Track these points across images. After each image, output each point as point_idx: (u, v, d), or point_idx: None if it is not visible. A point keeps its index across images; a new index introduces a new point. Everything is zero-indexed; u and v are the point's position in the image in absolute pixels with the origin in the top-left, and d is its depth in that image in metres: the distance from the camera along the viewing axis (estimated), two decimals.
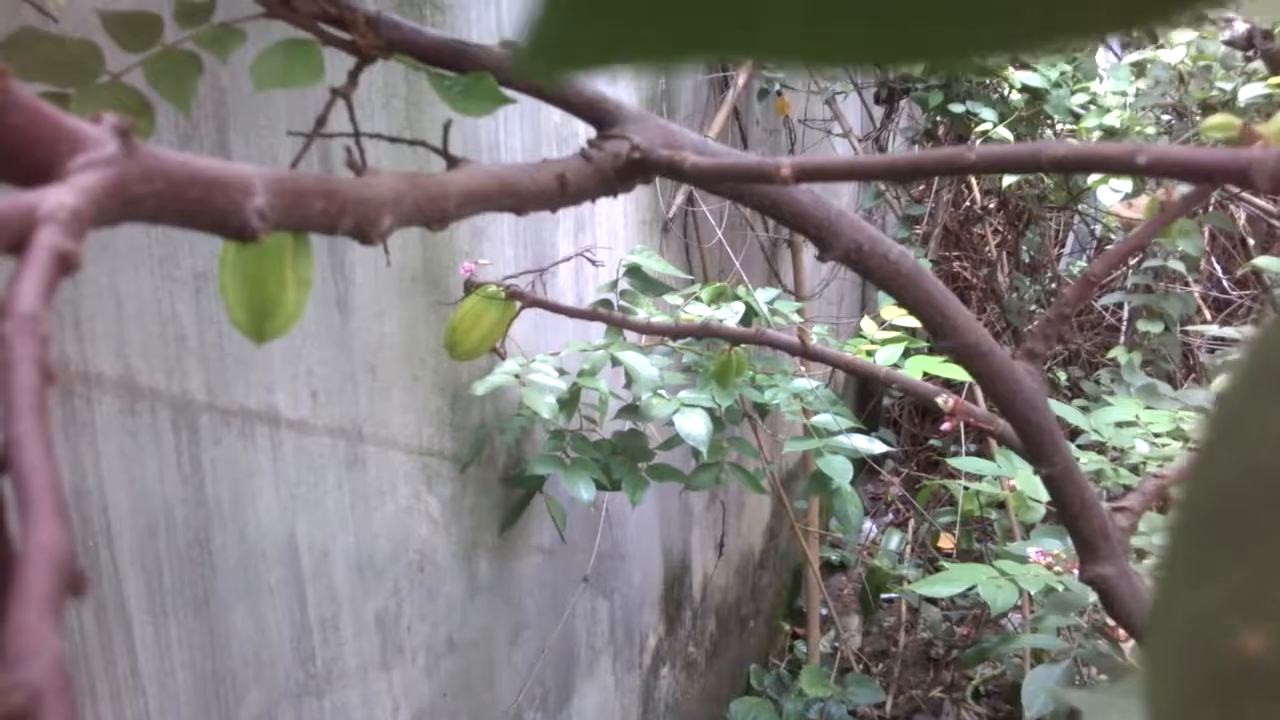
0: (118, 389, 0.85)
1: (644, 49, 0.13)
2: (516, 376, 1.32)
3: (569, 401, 1.38)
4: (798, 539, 2.67)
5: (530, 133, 1.47)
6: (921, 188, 2.94)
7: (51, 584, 0.17)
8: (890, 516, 3.86)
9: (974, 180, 2.99)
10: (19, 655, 0.16)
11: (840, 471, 1.45)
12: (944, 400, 0.65)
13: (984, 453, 3.00)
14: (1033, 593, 1.23)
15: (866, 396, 4.14)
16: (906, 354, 1.60)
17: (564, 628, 1.71)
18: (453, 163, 0.51)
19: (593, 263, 1.30)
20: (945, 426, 0.65)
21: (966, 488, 2.91)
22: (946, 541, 3.19)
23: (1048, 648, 1.29)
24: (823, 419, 1.52)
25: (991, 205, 3.26)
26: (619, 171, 0.54)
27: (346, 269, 1.11)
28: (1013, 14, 0.13)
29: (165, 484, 0.90)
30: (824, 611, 2.97)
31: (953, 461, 1.61)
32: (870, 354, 1.65)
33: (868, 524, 3.76)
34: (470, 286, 1.15)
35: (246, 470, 0.99)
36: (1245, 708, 0.11)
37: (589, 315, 1.14)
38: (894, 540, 3.28)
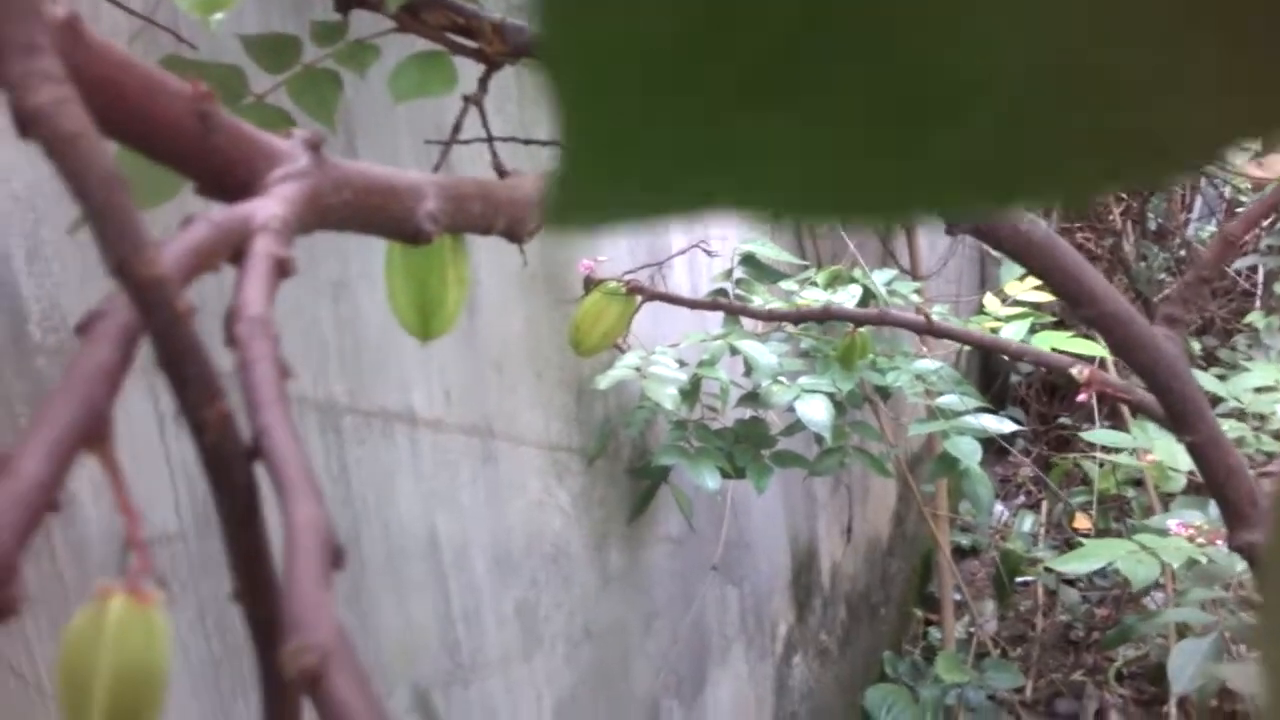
0: None
1: (659, 208, 0.14)
2: (637, 369, 1.34)
3: (690, 392, 1.39)
4: (926, 523, 2.63)
5: None
6: None
7: (321, 555, 0.20)
8: (1022, 498, 3.76)
9: None
10: (303, 621, 0.18)
11: (968, 453, 1.43)
12: (1078, 371, 0.64)
13: (1118, 428, 2.91)
14: (1175, 566, 1.19)
15: (991, 376, 4.05)
16: (1033, 330, 1.57)
17: (695, 616, 1.73)
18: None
19: (708, 253, 1.31)
20: (1081, 397, 0.64)
21: (1102, 464, 2.83)
22: (1083, 521, 3.10)
23: (1193, 622, 1.25)
24: (948, 400, 1.50)
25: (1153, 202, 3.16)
26: None
27: (472, 269, 1.15)
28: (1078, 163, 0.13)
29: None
30: (957, 597, 2.92)
31: (1087, 435, 1.57)
32: (995, 330, 1.62)
33: (999, 507, 3.67)
34: (590, 283, 1.18)
35: (388, 469, 1.03)
36: None
37: (708, 305, 1.15)
38: (1027, 522, 3.20)
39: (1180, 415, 0.53)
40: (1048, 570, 2.99)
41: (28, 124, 0.21)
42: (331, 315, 0.95)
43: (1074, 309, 0.53)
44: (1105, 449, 2.57)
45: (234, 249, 0.26)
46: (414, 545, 1.07)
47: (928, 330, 0.72)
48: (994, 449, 3.75)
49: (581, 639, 1.39)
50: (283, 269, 0.26)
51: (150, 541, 0.80)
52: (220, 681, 0.86)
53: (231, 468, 0.22)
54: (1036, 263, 0.53)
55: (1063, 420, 3.61)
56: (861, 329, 1.24)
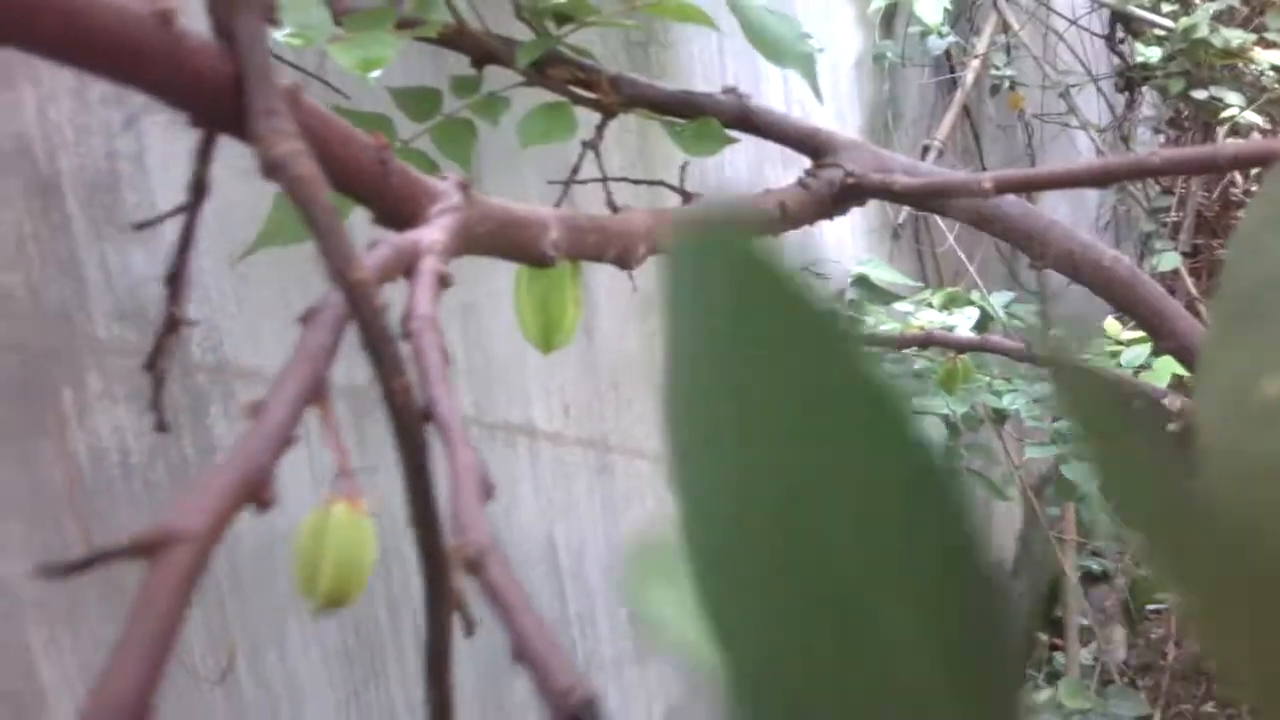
0: None
1: None
2: None
3: None
4: (1052, 547, 2.58)
5: (755, 151, 1.53)
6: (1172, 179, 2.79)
7: (477, 486, 0.26)
8: None
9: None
10: (467, 526, 0.24)
11: (1087, 478, 1.42)
12: (1169, 401, 0.65)
13: None
14: None
15: None
16: (1156, 354, 1.54)
17: None
18: (687, 198, 0.58)
19: (818, 275, 1.34)
20: (1170, 427, 0.65)
21: None
22: None
23: None
24: (1067, 424, 1.49)
25: (1254, 188, 3.04)
26: (834, 198, 0.59)
27: (590, 294, 1.21)
28: None
29: (443, 492, 1.02)
30: (1084, 622, 2.85)
31: None
32: (1115, 355, 1.60)
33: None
34: None
35: (511, 478, 1.10)
36: (1267, 435, 0.16)
37: None
38: None
39: None
40: None
41: (271, 170, 0.28)
42: (460, 335, 1.02)
43: (1157, 341, 0.55)
44: None
45: (407, 265, 0.33)
46: (534, 550, 1.13)
47: (1029, 358, 0.74)
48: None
49: None
50: (443, 281, 0.33)
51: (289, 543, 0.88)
52: (354, 670, 0.93)
53: (410, 426, 0.29)
54: (1118, 297, 0.55)
55: None
56: (966, 355, 1.25)
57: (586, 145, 0.68)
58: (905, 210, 1.94)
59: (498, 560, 0.23)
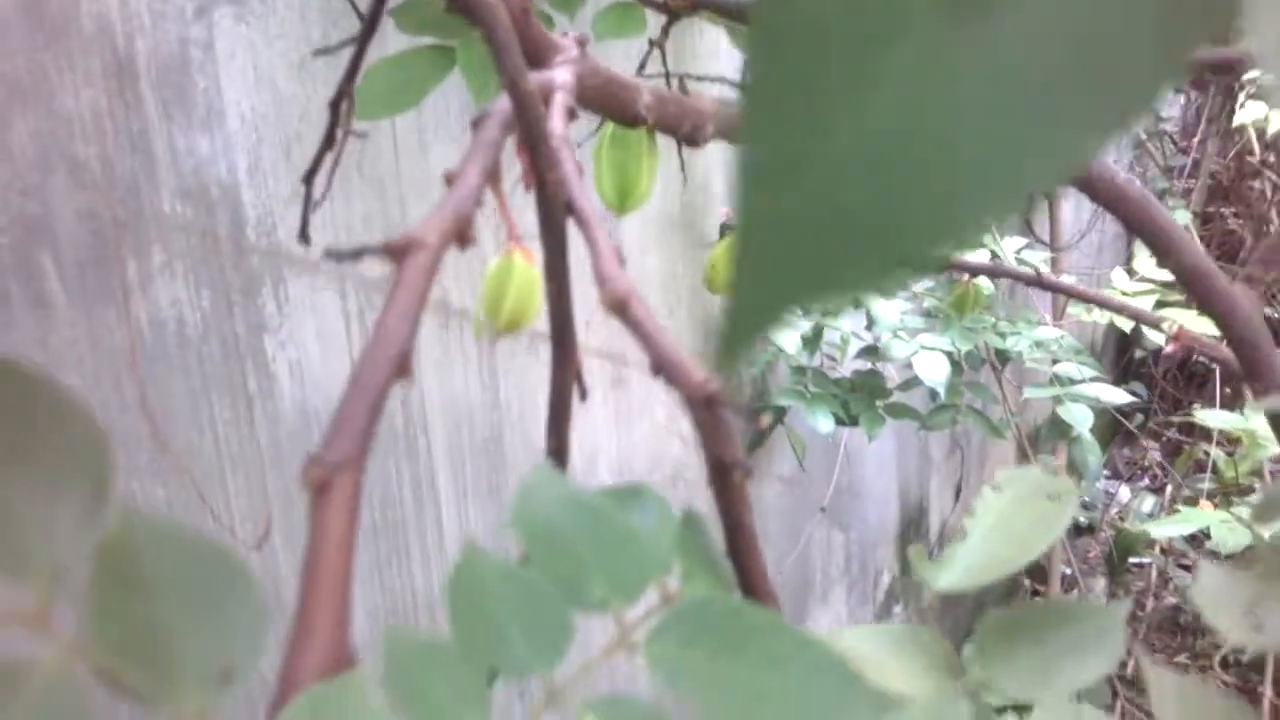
0: (434, 308, 1.02)
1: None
2: None
3: (812, 339, 1.47)
4: None
5: None
6: (1188, 140, 2.79)
7: (613, 254, 0.33)
8: (1146, 481, 3.71)
9: (1252, 131, 2.80)
10: (610, 276, 0.33)
11: (1080, 419, 1.47)
12: (1168, 325, 0.69)
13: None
14: (1266, 536, 1.22)
15: (1121, 354, 3.97)
16: (1159, 305, 1.59)
17: (800, 554, 1.82)
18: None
19: None
20: (1168, 350, 0.70)
21: (1230, 454, 2.78)
22: (1206, 508, 3.06)
23: None
24: (1066, 367, 1.54)
25: (1271, 158, 3.04)
26: None
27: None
28: None
29: (469, 389, 1.07)
30: (1066, 571, 2.92)
31: (1201, 414, 1.59)
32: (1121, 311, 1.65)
33: (1122, 488, 3.63)
34: (726, 229, 1.26)
35: (532, 382, 1.15)
36: None
37: None
38: (1147, 503, 3.16)
39: (1252, 365, 0.58)
40: (1163, 553, 2.97)
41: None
42: (492, 241, 1.07)
43: (1161, 261, 0.59)
44: (1231, 439, 2.52)
45: (545, 96, 0.40)
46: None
47: (1036, 283, 0.78)
48: (1122, 431, 3.69)
49: None
50: (571, 113, 0.39)
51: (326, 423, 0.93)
52: (379, 547, 0.99)
53: (556, 212, 0.36)
54: (1129, 214, 0.59)
55: (1194, 410, 3.53)
56: (977, 281, 1.29)
57: (653, 43, 0.74)
58: None
59: (636, 301, 0.29)
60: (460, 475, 1.07)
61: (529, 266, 0.47)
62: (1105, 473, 3.89)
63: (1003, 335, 1.55)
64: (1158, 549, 2.98)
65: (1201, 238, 2.43)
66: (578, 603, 0.26)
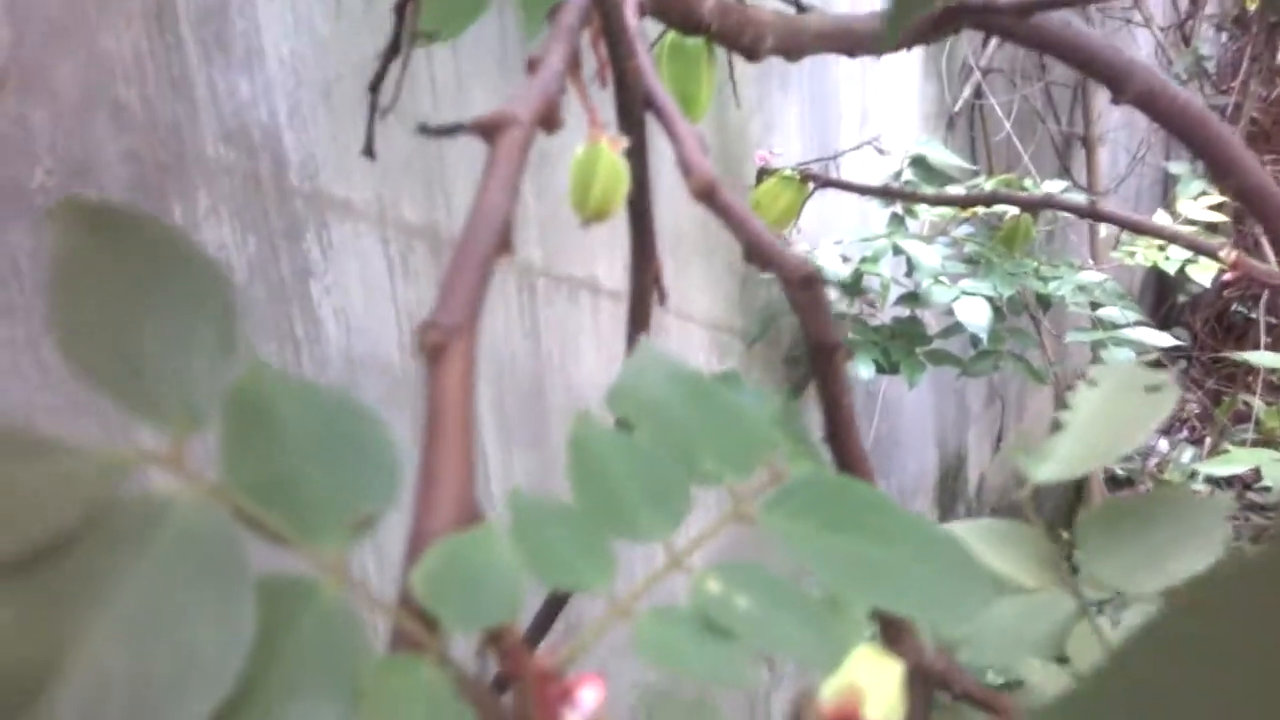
0: None
1: None
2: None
3: (851, 286, 1.45)
4: None
5: None
6: (1229, 81, 2.73)
7: (697, 143, 0.31)
8: (1185, 433, 3.67)
9: None
10: (694, 166, 0.30)
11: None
12: (1225, 253, 0.67)
13: None
14: None
15: (1160, 301, 3.92)
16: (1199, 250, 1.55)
17: None
18: (801, 9, 0.62)
19: (879, 151, 1.36)
20: (1227, 277, 0.68)
21: (1270, 404, 2.74)
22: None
23: None
24: (1108, 312, 1.52)
25: None
26: (935, 20, 0.61)
27: (653, 157, 1.24)
28: None
29: (511, 337, 1.07)
30: None
31: (1246, 355, 1.56)
32: (1164, 249, 1.62)
33: (1161, 440, 3.60)
34: (764, 173, 1.25)
35: (573, 330, 1.14)
36: None
37: (880, 192, 1.20)
38: (1187, 455, 3.13)
39: None
40: (1208, 480, 2.93)
41: None
42: (533, 186, 1.06)
43: (1220, 179, 0.58)
44: (1274, 388, 2.49)
45: None
46: (592, 399, 1.18)
47: (1090, 214, 0.76)
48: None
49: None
50: (641, 9, 0.39)
51: (376, 369, 0.93)
52: None
53: (635, 103, 0.36)
54: (1191, 133, 0.57)
55: (1233, 358, 3.48)
56: (1027, 218, 1.27)
57: None
58: (964, 96, 1.94)
59: (721, 188, 0.29)
60: (504, 426, 1.07)
61: (615, 153, 0.47)
62: None
63: (1045, 280, 1.53)
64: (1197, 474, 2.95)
65: None
66: (691, 475, 0.26)
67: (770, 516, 0.26)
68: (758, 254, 0.29)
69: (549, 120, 0.31)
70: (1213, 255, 0.68)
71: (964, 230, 1.59)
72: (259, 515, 0.20)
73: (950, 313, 1.45)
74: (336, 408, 0.23)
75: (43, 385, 0.71)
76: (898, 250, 1.44)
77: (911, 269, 1.46)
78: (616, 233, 1.20)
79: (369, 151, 0.74)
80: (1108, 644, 0.40)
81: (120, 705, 0.17)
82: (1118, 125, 2.76)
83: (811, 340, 0.30)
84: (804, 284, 0.29)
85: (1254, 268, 0.66)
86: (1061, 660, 0.39)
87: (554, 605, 0.60)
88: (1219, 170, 0.57)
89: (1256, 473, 1.48)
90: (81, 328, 0.20)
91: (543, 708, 0.20)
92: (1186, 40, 2.61)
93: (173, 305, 0.21)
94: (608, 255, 1.18)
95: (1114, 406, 0.39)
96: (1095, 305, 1.51)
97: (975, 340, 1.48)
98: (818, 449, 0.32)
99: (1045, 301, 1.62)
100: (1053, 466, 0.39)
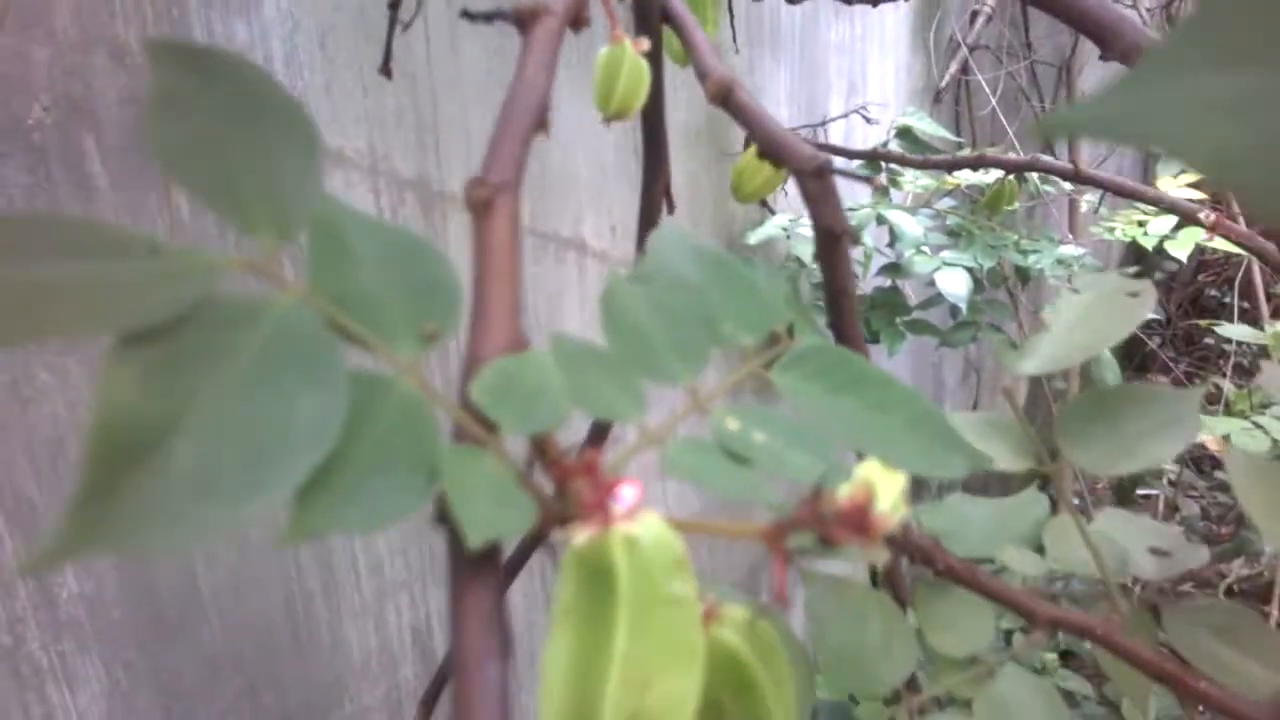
0: (464, 210, 1.02)
1: None
2: (785, 230, 1.43)
3: None
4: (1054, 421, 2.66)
5: None
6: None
7: (710, 49, 0.33)
8: None
9: None
10: (709, 68, 0.32)
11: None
12: (1205, 215, 0.69)
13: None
14: None
15: (1137, 278, 3.96)
16: (1180, 226, 1.58)
17: None
18: None
19: (867, 119, 1.37)
20: (1206, 238, 0.70)
21: (1240, 385, 2.78)
22: (1213, 444, 3.07)
23: None
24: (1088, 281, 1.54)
25: None
26: None
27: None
28: None
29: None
30: (1076, 501, 2.95)
31: (1221, 329, 1.59)
32: (1143, 225, 1.64)
33: None
34: (750, 139, 1.26)
35: (558, 287, 1.15)
36: None
37: (867, 155, 1.22)
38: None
39: None
40: (1171, 484, 2.99)
41: None
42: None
43: (1105, 52, 0.59)
44: (1245, 373, 2.53)
45: None
46: None
47: (1075, 176, 0.78)
48: (1134, 364, 3.69)
49: None
50: None
51: None
52: None
53: (652, 10, 0.37)
54: (1066, 8, 0.59)
55: (1202, 333, 3.52)
56: (1013, 180, 1.29)
57: None
58: (950, 71, 1.95)
59: (740, 88, 0.30)
60: None
61: (638, 55, 0.49)
62: None
63: (1024, 253, 1.55)
64: (1165, 480, 3.00)
65: None
66: (711, 334, 0.28)
67: (782, 377, 0.29)
68: (772, 149, 0.30)
69: (578, 18, 0.32)
70: (1193, 218, 0.69)
71: (947, 203, 1.61)
72: (343, 320, 0.23)
73: (931, 284, 1.47)
74: (402, 241, 0.25)
75: None
76: (881, 220, 1.45)
77: (894, 239, 1.48)
78: (603, 194, 1.21)
79: (385, 70, 0.75)
80: (1084, 532, 0.43)
81: (234, 456, 0.19)
82: None
83: (821, 226, 0.32)
84: (816, 174, 0.31)
85: (1232, 228, 0.68)
86: (1039, 550, 0.42)
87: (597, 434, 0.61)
88: (1102, 42, 0.58)
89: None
90: (183, 149, 0.22)
91: (594, 497, 0.22)
92: (1172, 21, 2.63)
93: (264, 134, 0.24)
94: (594, 216, 1.19)
95: (1095, 310, 0.42)
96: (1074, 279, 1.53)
97: (955, 311, 1.50)
98: (823, 330, 0.34)
99: (1025, 274, 1.65)
100: (1036, 361, 0.41)
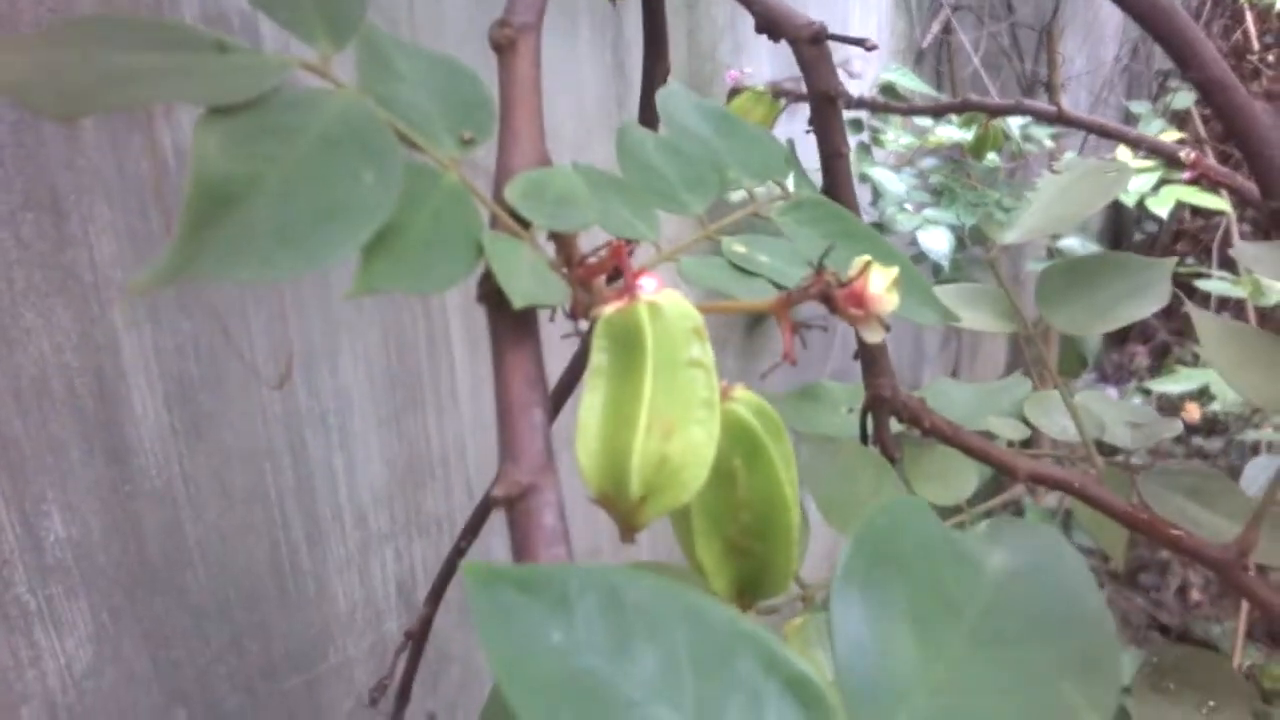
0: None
1: None
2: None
3: None
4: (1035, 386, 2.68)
5: None
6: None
7: None
8: (1134, 383, 3.76)
9: (1251, 27, 2.77)
10: None
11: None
12: (1185, 154, 0.70)
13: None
14: None
15: (1117, 241, 4.00)
16: (1161, 183, 1.59)
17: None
18: None
19: (850, 75, 1.37)
20: (1185, 176, 0.70)
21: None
22: (1193, 411, 3.11)
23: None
24: (1068, 242, 1.55)
25: (1271, 58, 3.01)
26: None
27: (626, 71, 1.24)
28: None
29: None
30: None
31: (1202, 284, 1.61)
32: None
33: (1109, 390, 3.68)
34: (735, 92, 1.26)
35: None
36: None
37: (854, 104, 1.22)
38: (1135, 403, 3.21)
39: (1266, 179, 0.59)
40: (1151, 454, 3.02)
41: None
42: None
43: (1184, 71, 0.60)
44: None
45: None
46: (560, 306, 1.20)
47: (1058, 119, 0.79)
48: (1115, 333, 3.73)
49: None
50: None
51: (346, 266, 0.93)
52: (395, 395, 1.00)
53: None
54: (1157, 24, 0.59)
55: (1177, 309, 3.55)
56: (997, 124, 1.29)
57: None
58: (933, 32, 1.95)
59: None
60: (473, 328, 1.08)
61: None
62: (1093, 375, 3.94)
63: (1006, 210, 1.56)
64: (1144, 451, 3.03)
65: (1204, 119, 2.43)
66: (718, 175, 0.30)
67: (783, 217, 0.33)
68: (767, 20, 0.31)
69: None
70: (1173, 157, 0.70)
71: (929, 162, 1.61)
72: (392, 120, 0.25)
73: (913, 243, 1.48)
74: (441, 62, 0.28)
75: (19, 259, 0.71)
76: (864, 178, 1.46)
77: (877, 197, 1.49)
78: (586, 148, 1.21)
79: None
80: (1066, 397, 0.44)
81: (306, 212, 0.22)
82: (1080, 71, 2.79)
83: (817, 91, 0.33)
84: (812, 40, 0.32)
85: (1211, 167, 0.69)
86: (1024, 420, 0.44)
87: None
88: (1181, 62, 0.59)
89: (1205, 421, 1.53)
90: None
91: (627, 276, 0.26)
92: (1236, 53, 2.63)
93: None
94: (576, 158, 1.19)
95: (1074, 187, 0.43)
96: (1055, 237, 1.54)
97: (937, 270, 1.51)
98: (815, 188, 0.36)
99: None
100: (1017, 231, 0.43)
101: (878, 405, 0.47)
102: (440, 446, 1.07)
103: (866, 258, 0.24)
